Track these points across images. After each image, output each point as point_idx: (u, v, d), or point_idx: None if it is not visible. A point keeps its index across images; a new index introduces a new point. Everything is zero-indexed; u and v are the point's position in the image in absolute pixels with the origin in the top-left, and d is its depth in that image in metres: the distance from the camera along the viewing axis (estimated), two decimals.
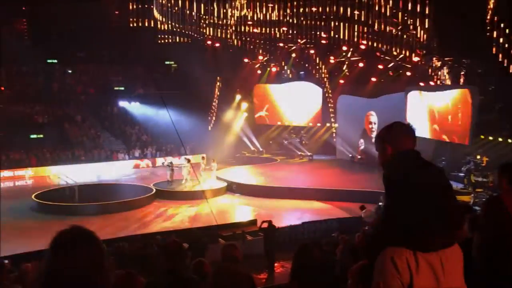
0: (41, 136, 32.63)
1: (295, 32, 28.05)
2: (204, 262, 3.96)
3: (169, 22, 28.15)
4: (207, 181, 24.63)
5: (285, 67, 36.33)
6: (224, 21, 27.78)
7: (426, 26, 22.11)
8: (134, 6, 29.67)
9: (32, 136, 32.30)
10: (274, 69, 35.54)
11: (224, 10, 27.33)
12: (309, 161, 33.12)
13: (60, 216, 18.87)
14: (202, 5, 27.22)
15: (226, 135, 35.17)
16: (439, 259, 2.14)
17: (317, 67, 34.12)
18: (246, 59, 35.08)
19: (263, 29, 28.06)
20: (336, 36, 26.14)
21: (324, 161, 33.14)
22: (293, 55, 33.41)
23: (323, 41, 27.12)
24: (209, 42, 29.89)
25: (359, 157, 31.39)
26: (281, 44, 31.55)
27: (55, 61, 39.35)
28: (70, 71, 39.61)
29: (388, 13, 23.20)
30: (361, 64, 29.67)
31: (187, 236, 13.34)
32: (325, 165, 31.82)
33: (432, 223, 2.11)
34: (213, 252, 11.82)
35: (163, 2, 27.67)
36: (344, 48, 28.52)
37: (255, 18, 27.91)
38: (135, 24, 29.85)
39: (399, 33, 23.79)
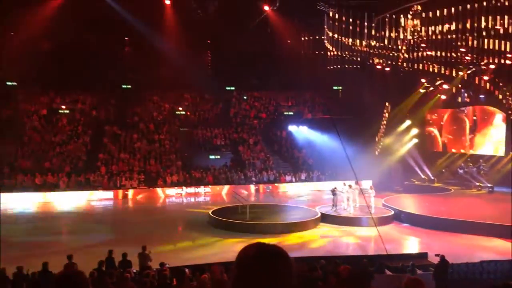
0: (218, 157, 35.68)
1: (474, 54, 25.86)
2: None
3: (339, 50, 28.54)
4: (367, 207, 23.94)
5: (462, 90, 33.66)
6: (395, 46, 27.05)
7: None
8: (306, 38, 30.91)
9: (211, 157, 35.51)
10: (448, 93, 33.21)
11: (396, 34, 26.63)
12: (488, 193, 29.95)
13: (232, 233, 20.26)
14: (373, 30, 26.99)
15: (393, 161, 33.91)
16: None
17: (501, 90, 30.88)
18: (417, 83, 33.50)
19: (438, 51, 26.50)
20: None
21: (508, 194, 29.49)
22: (472, 77, 30.80)
23: (509, 61, 24.46)
24: (378, 67, 29.36)
25: None
26: (460, 67, 29.35)
27: (233, 88, 42.91)
28: (245, 97, 42.71)
29: None
30: None
31: (351, 263, 13.07)
32: (509, 198, 28.29)
33: None
34: (379, 283, 11.36)
35: (333, 35, 28.25)
36: None
37: (428, 39, 26.55)
38: (305, 44, 30.99)
39: None
